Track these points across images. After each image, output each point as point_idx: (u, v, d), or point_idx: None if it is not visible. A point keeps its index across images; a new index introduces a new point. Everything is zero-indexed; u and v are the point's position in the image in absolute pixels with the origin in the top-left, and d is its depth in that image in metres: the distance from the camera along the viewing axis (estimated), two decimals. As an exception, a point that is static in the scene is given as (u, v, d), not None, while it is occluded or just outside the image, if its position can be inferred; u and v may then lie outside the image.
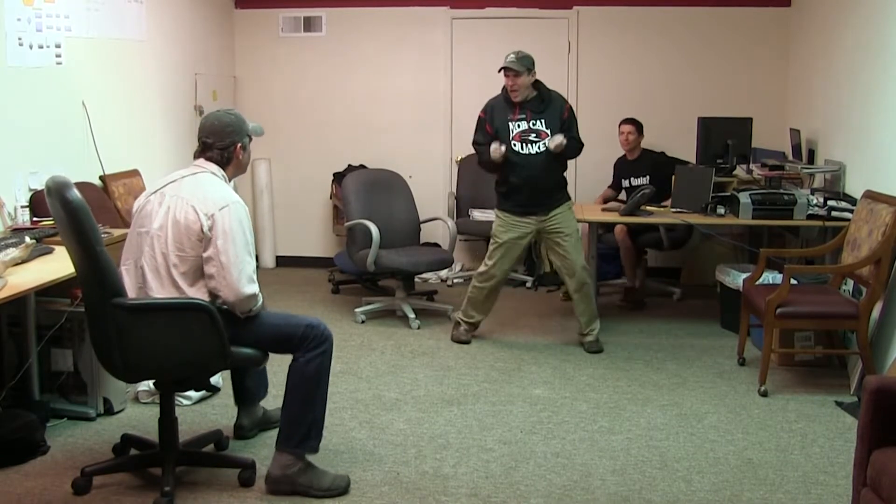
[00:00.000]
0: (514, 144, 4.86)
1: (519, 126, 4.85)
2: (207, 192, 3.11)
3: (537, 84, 4.91)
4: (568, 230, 4.96)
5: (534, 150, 4.85)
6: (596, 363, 4.85)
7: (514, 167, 4.87)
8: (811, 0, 6.27)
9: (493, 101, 5.00)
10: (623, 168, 6.42)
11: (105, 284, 2.97)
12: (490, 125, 4.94)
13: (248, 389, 3.80)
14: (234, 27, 7.29)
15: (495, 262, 5.05)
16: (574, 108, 6.83)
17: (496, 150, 4.83)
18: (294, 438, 3.21)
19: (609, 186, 6.54)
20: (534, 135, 4.84)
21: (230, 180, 3.28)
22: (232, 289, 3.05)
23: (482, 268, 5.13)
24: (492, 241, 5.10)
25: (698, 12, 6.85)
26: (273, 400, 3.94)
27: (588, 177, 6.86)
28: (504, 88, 4.91)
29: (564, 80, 7.05)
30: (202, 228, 3.05)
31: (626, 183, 6.37)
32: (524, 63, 4.78)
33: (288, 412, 3.23)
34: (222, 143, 3.22)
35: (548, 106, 4.90)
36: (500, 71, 4.82)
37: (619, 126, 6.37)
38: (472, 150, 6.99)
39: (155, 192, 3.20)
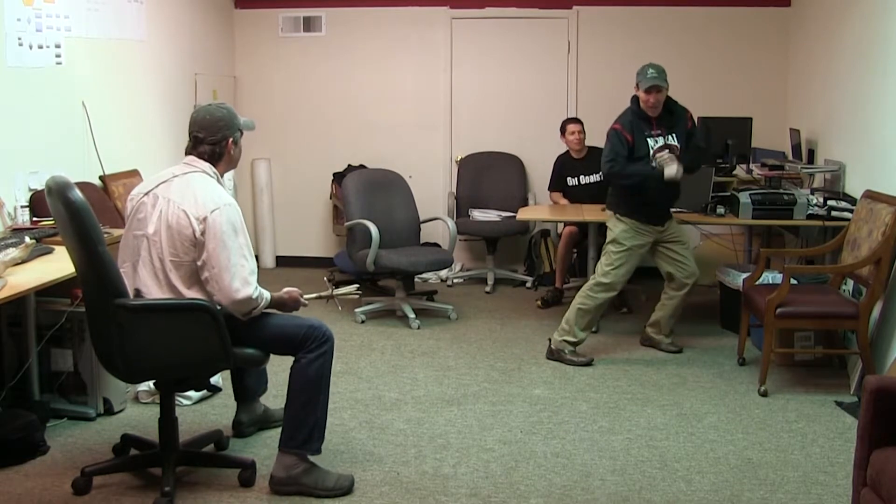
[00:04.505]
0: (654, 160, 4.73)
1: (657, 142, 4.73)
2: (198, 194, 3.07)
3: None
4: (684, 239, 4.99)
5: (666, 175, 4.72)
6: (596, 363, 4.84)
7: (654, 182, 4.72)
8: (811, 0, 6.27)
9: (626, 116, 4.77)
10: (570, 167, 6.41)
11: (107, 285, 2.97)
12: (630, 137, 4.71)
13: (247, 386, 3.80)
14: (234, 27, 7.29)
15: (617, 267, 4.79)
16: (576, 110, 6.94)
17: (676, 170, 4.62)
18: (297, 439, 3.21)
19: (551, 188, 6.54)
20: (668, 150, 4.74)
21: (222, 176, 3.26)
22: (225, 293, 3.04)
23: (600, 277, 4.83)
24: (612, 246, 4.83)
25: (698, 12, 6.85)
26: (273, 400, 3.95)
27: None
28: (635, 102, 4.75)
29: (564, 80, 7.06)
30: (194, 233, 3.03)
31: (573, 181, 6.38)
32: (665, 77, 4.66)
33: (290, 413, 3.22)
34: (214, 138, 3.18)
35: (676, 119, 4.82)
36: (646, 90, 4.63)
37: (567, 126, 6.38)
38: (472, 150, 7.13)
39: (147, 192, 3.16)
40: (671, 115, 4.81)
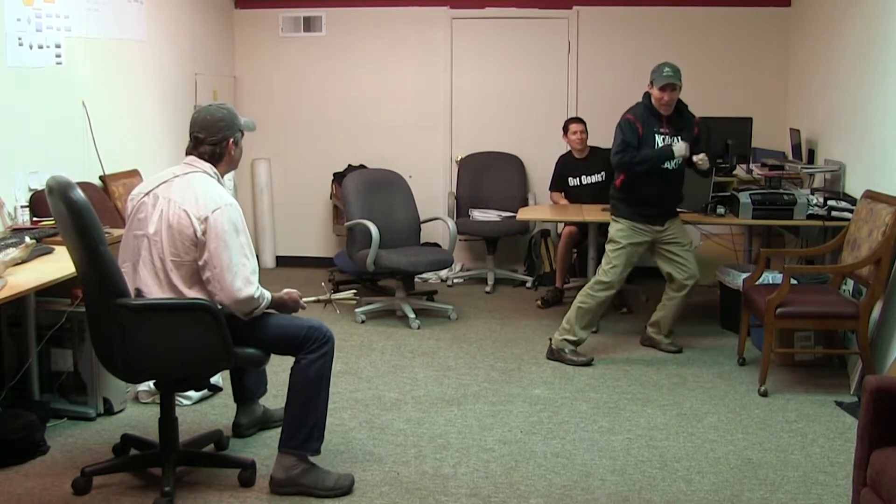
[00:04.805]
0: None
1: (664, 140, 4.75)
2: (199, 194, 3.07)
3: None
4: (685, 241, 4.97)
5: (671, 165, 4.75)
6: (596, 363, 4.85)
7: (652, 180, 4.75)
8: (811, 0, 6.28)
9: (639, 109, 4.80)
10: (572, 167, 6.41)
11: (108, 284, 2.97)
12: (641, 129, 4.74)
13: (246, 388, 3.80)
14: (234, 27, 7.29)
15: (615, 266, 4.82)
16: (576, 110, 6.94)
17: (685, 147, 4.69)
18: (296, 439, 3.21)
19: (552, 188, 6.53)
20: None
21: (223, 176, 3.26)
22: (227, 293, 3.04)
23: (600, 276, 4.87)
24: (610, 245, 4.88)
25: (698, 12, 6.85)
26: (273, 400, 3.95)
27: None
28: (647, 97, 4.77)
29: (564, 80, 7.06)
30: (195, 233, 3.02)
31: (574, 181, 6.38)
32: (680, 77, 4.67)
33: (290, 413, 3.23)
34: (214, 139, 3.18)
35: (684, 122, 4.83)
36: (661, 88, 4.64)
37: (569, 125, 6.38)
38: (472, 150, 7.13)
39: (148, 192, 3.16)
40: (681, 117, 4.82)
